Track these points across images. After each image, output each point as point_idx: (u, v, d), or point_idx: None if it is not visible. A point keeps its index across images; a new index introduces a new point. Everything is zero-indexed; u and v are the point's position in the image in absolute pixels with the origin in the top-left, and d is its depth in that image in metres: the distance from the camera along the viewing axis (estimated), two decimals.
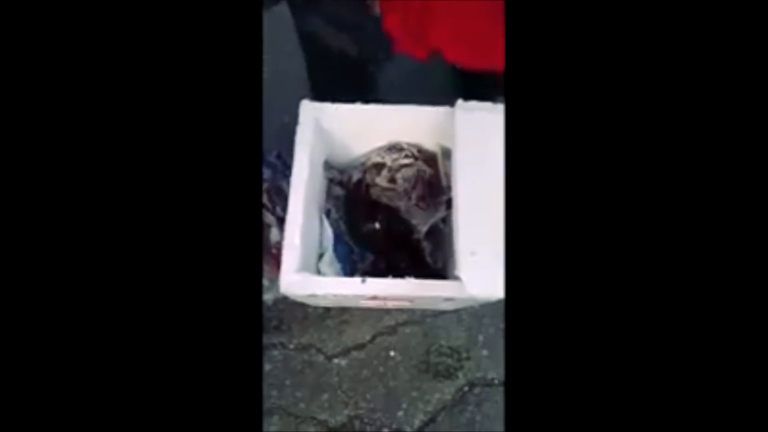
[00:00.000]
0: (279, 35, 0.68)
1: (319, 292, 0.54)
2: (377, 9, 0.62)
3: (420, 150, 0.72)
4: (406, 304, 0.71)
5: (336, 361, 0.80)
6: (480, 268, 0.50)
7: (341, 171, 0.76)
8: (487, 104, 0.58)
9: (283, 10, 0.66)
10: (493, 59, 0.49)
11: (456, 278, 0.52)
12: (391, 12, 0.60)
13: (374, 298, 0.60)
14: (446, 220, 0.72)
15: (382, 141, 0.71)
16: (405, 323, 0.82)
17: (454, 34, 0.57)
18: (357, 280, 0.54)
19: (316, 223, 0.70)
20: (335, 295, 0.57)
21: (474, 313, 0.82)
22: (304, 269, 0.56)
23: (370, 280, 0.53)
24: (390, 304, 0.71)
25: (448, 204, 0.70)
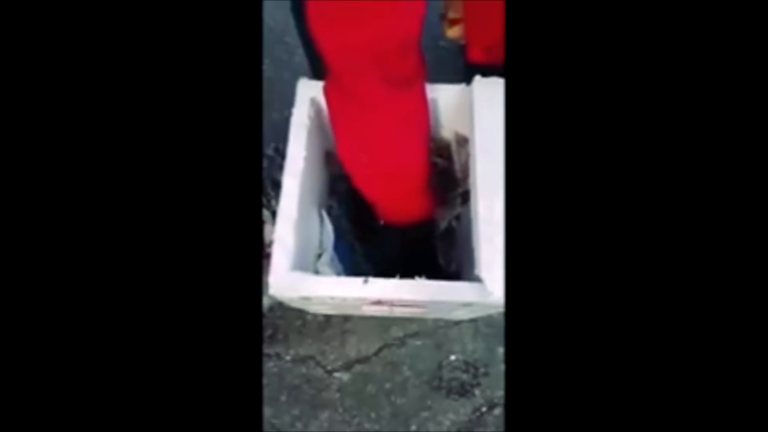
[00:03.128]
0: (281, 25, 0.63)
1: (314, 293, 0.46)
2: (454, 36, 0.65)
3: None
4: (416, 311, 0.63)
5: (337, 375, 0.72)
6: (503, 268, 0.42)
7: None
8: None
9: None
10: None
11: (476, 280, 0.44)
12: (476, 42, 0.63)
13: (379, 302, 0.52)
14: (460, 218, 0.64)
15: None
16: (415, 334, 0.74)
17: None
18: (358, 280, 0.46)
19: (315, 219, 0.63)
20: (333, 299, 0.49)
21: (493, 323, 0.74)
22: (298, 269, 0.48)
23: (373, 281, 0.45)
24: (398, 312, 0.63)
25: (464, 199, 0.62)
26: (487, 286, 0.42)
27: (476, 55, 0.64)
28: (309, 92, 0.54)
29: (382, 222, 0.65)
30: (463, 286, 0.45)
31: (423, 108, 0.52)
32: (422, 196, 0.60)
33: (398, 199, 0.59)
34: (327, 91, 0.51)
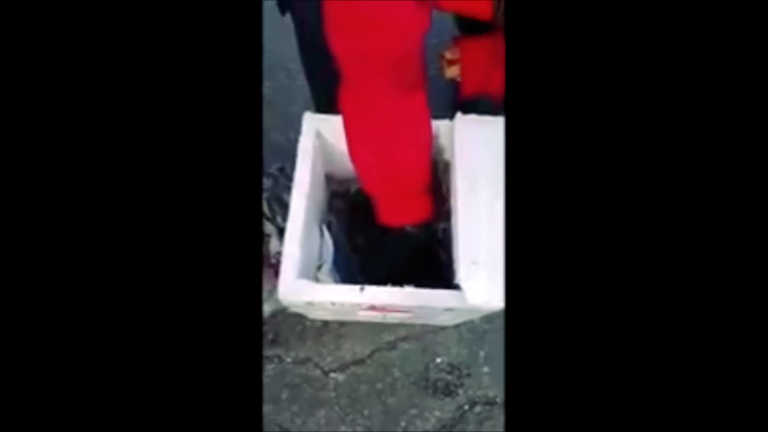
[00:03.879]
0: (284, 53, 0.70)
1: (317, 298, 0.53)
2: (452, 75, 0.71)
3: None
4: (405, 316, 0.70)
5: (333, 376, 0.78)
6: (481, 278, 0.50)
7: (341, 183, 0.76)
8: (486, 117, 0.59)
9: (286, 26, 0.68)
10: None
11: (456, 287, 0.51)
12: (471, 81, 0.69)
13: (372, 308, 0.59)
14: (446, 231, 0.72)
15: None
16: (405, 338, 0.80)
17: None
18: (355, 288, 0.53)
19: (317, 234, 0.70)
20: (333, 303, 0.56)
21: (475, 329, 0.81)
22: (302, 278, 0.55)
23: (368, 288, 0.53)
24: (389, 316, 0.70)
25: (447, 215, 0.70)
26: (465, 293, 0.50)
27: (471, 93, 0.71)
28: (313, 124, 0.62)
29: (385, 228, 0.66)
30: (444, 294, 0.52)
31: (425, 112, 0.58)
32: (425, 197, 0.63)
33: (403, 199, 0.61)
34: (341, 98, 0.56)
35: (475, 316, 0.76)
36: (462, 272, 0.50)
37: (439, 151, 0.69)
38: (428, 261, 0.66)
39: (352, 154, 0.60)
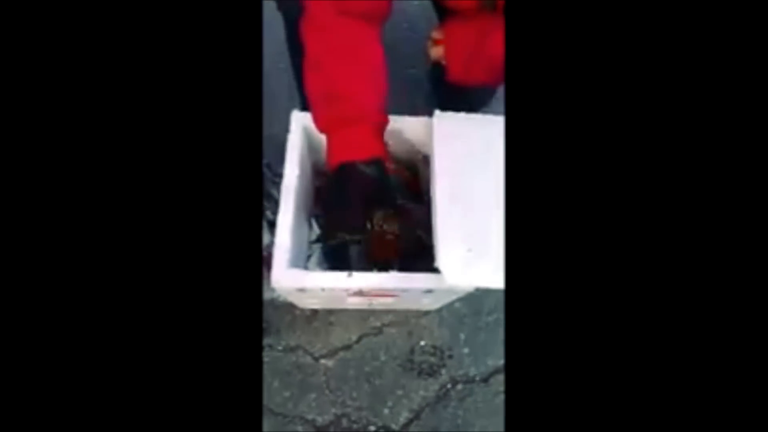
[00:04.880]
0: (270, 51, 0.73)
1: (308, 285, 0.57)
2: (436, 55, 0.71)
3: (401, 158, 0.77)
4: (390, 301, 0.74)
5: (323, 361, 0.82)
6: (457, 260, 0.55)
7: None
8: (461, 114, 0.64)
9: (274, 25, 0.71)
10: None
11: (435, 270, 0.56)
12: (455, 61, 0.69)
13: (360, 293, 0.64)
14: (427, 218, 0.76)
15: None
16: (390, 324, 0.85)
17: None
18: (343, 274, 0.57)
19: (305, 226, 0.74)
20: (323, 290, 0.60)
21: (455, 312, 0.86)
22: (293, 267, 0.59)
23: (356, 274, 0.57)
24: (375, 302, 0.74)
25: (427, 205, 0.75)
26: (444, 275, 0.55)
27: (456, 75, 0.72)
28: (301, 122, 0.66)
29: (338, 168, 0.61)
30: (425, 276, 0.57)
31: (377, 45, 0.60)
32: (374, 133, 0.60)
33: (351, 131, 0.59)
34: (301, 28, 0.59)
35: (453, 297, 0.81)
36: (441, 254, 0.54)
37: (418, 147, 0.74)
38: (382, 199, 0.62)
39: (305, 83, 0.61)
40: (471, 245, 0.55)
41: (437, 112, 0.64)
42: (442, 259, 0.54)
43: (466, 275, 0.54)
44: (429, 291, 0.60)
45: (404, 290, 0.61)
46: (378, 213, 0.62)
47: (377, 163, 0.60)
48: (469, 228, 0.56)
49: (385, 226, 0.62)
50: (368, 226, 0.61)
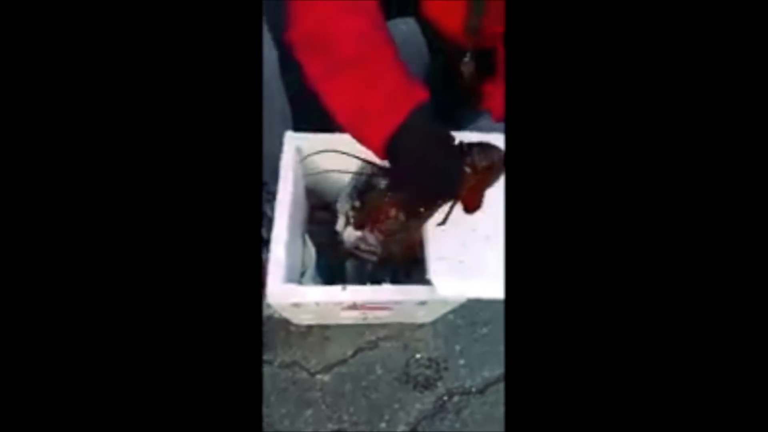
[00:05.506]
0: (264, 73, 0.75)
1: (303, 299, 0.59)
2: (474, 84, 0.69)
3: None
4: (384, 314, 0.75)
5: (319, 377, 0.82)
6: (448, 272, 0.56)
7: (321, 196, 0.82)
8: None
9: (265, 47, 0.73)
10: None
11: (427, 282, 0.58)
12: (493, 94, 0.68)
13: (354, 306, 0.65)
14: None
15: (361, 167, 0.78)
16: (385, 337, 0.86)
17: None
18: (338, 288, 0.59)
19: (299, 243, 0.76)
20: (317, 304, 0.61)
21: (450, 324, 0.87)
22: (288, 282, 0.60)
23: (350, 288, 0.58)
24: (370, 315, 0.75)
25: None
26: (436, 286, 0.56)
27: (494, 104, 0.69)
28: (294, 142, 0.68)
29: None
30: (417, 288, 0.59)
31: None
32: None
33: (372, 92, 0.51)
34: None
35: (447, 309, 0.83)
36: (432, 267, 0.56)
37: None
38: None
39: (294, 39, 0.57)
40: (462, 257, 0.57)
41: None
42: (433, 271, 0.56)
43: (458, 286, 0.56)
44: (423, 303, 0.62)
45: (398, 303, 0.62)
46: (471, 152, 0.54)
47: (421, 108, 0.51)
48: (459, 239, 0.58)
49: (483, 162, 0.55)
50: (467, 169, 0.54)
